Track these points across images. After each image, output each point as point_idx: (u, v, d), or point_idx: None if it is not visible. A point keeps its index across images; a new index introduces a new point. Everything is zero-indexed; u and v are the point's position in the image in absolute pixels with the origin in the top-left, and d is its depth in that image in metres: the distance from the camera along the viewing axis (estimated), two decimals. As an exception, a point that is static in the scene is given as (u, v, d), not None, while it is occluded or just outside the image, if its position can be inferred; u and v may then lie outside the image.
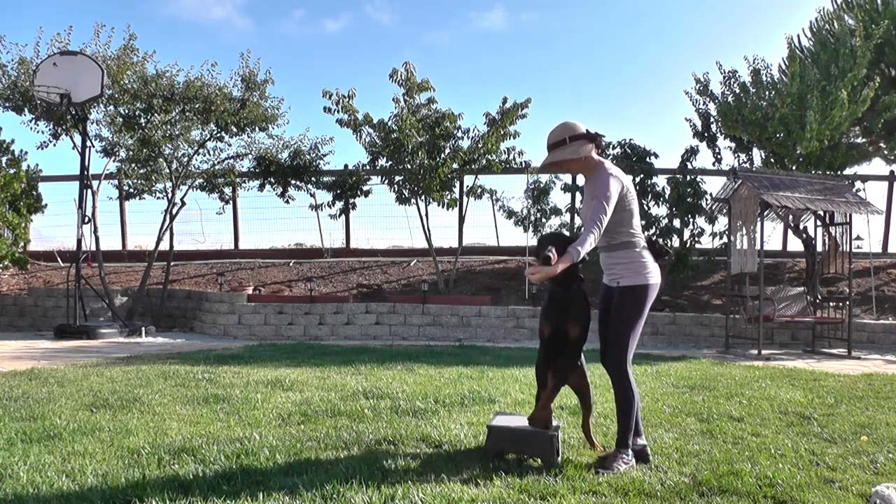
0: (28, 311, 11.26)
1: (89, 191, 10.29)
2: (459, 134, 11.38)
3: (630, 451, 3.39)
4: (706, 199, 11.17)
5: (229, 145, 12.17)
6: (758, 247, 9.23)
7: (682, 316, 10.58)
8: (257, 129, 11.69)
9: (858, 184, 12.40)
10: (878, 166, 22.47)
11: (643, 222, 11.03)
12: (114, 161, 11.77)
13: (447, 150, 11.25)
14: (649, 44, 41.64)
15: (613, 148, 11.52)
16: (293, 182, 12.85)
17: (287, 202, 13.15)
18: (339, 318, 10.42)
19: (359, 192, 12.95)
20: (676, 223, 11.53)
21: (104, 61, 10.30)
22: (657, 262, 3.50)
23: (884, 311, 11.19)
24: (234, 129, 11.42)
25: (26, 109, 10.63)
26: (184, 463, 3.29)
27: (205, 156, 12.12)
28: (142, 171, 11.93)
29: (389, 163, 11.56)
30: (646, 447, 3.51)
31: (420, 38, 40.45)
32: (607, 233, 3.43)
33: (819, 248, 10.26)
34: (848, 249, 9.66)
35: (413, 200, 11.62)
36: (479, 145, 11.22)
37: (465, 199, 12.39)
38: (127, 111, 11.09)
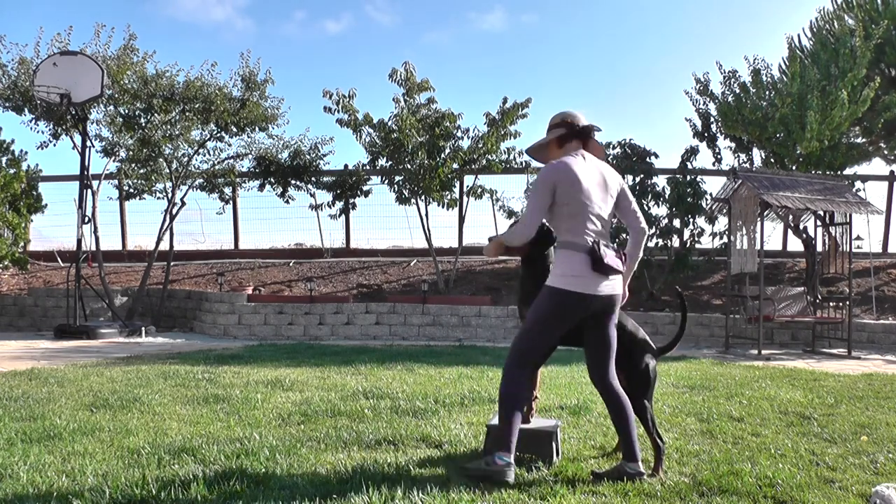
0: (28, 311, 11.26)
1: (89, 191, 10.29)
2: (459, 134, 11.38)
3: (496, 461, 2.98)
4: (706, 199, 11.16)
5: (229, 145, 12.19)
6: (758, 247, 9.23)
7: (682, 316, 10.56)
8: (257, 129, 11.69)
9: (858, 184, 12.40)
10: (878, 166, 22.45)
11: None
12: (114, 161, 11.77)
13: (447, 150, 11.24)
14: (649, 44, 41.68)
15: (613, 148, 11.52)
16: (293, 182, 12.86)
17: (287, 202, 13.16)
18: (339, 318, 10.41)
19: (359, 192, 12.95)
20: (676, 223, 11.52)
21: (104, 61, 10.30)
22: (599, 272, 3.08)
23: (884, 311, 11.19)
24: (234, 129, 11.42)
25: (26, 109, 10.63)
26: (184, 463, 3.29)
27: (205, 156, 12.15)
28: (142, 171, 11.93)
29: (389, 163, 11.56)
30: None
31: (420, 39, 40.48)
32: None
33: (819, 248, 10.25)
34: (848, 249, 9.66)
35: (413, 200, 11.62)
36: (480, 145, 11.22)
37: (465, 199, 12.40)
38: (127, 111, 11.08)
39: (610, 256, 3.13)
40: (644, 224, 3.34)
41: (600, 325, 3.20)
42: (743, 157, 12.53)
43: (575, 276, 3.09)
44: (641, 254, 3.35)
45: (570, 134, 3.28)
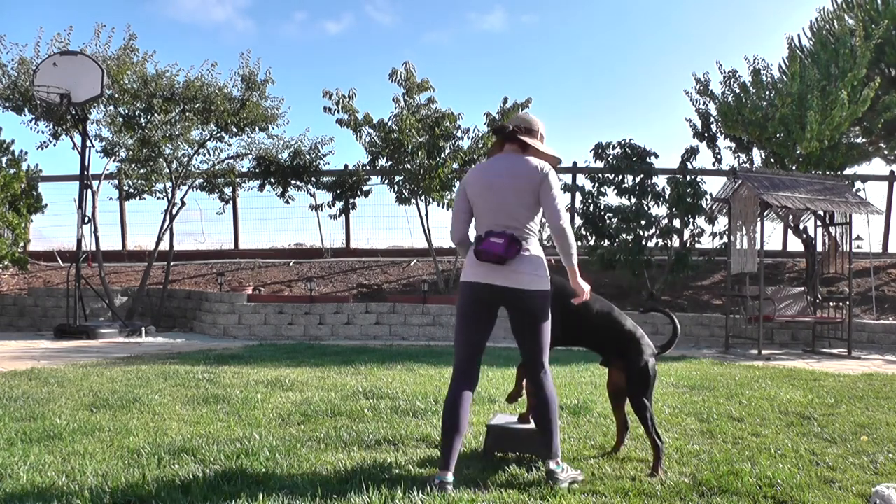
0: (28, 311, 11.26)
1: (89, 191, 10.28)
2: (459, 134, 11.38)
3: (441, 479, 2.98)
4: (706, 199, 11.15)
5: (229, 145, 12.19)
6: (758, 247, 9.23)
7: (681, 316, 10.56)
8: (257, 129, 11.69)
9: (858, 184, 12.39)
10: (878, 166, 22.47)
11: (643, 222, 11.04)
12: (114, 161, 11.77)
13: (447, 150, 11.24)
14: (649, 44, 41.66)
15: (613, 148, 11.51)
16: (293, 182, 12.86)
17: (287, 202, 13.16)
18: (339, 318, 10.41)
19: (359, 192, 12.96)
20: (676, 223, 11.52)
21: (104, 61, 10.29)
22: (483, 260, 3.13)
23: (884, 311, 11.18)
24: (234, 129, 11.42)
25: (26, 109, 10.62)
26: (184, 463, 3.29)
27: (205, 156, 12.14)
28: (142, 171, 11.93)
29: (389, 163, 11.56)
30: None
31: (420, 39, 40.46)
32: None
33: (819, 248, 10.25)
34: (848, 249, 9.66)
35: (413, 200, 11.63)
36: (480, 145, 11.22)
37: (465, 199, 12.38)
38: (127, 111, 11.08)
39: (490, 243, 3.11)
40: (559, 221, 3.10)
41: (516, 322, 3.25)
42: (743, 157, 12.53)
43: (468, 267, 3.24)
44: (573, 249, 3.12)
45: (499, 139, 3.39)
